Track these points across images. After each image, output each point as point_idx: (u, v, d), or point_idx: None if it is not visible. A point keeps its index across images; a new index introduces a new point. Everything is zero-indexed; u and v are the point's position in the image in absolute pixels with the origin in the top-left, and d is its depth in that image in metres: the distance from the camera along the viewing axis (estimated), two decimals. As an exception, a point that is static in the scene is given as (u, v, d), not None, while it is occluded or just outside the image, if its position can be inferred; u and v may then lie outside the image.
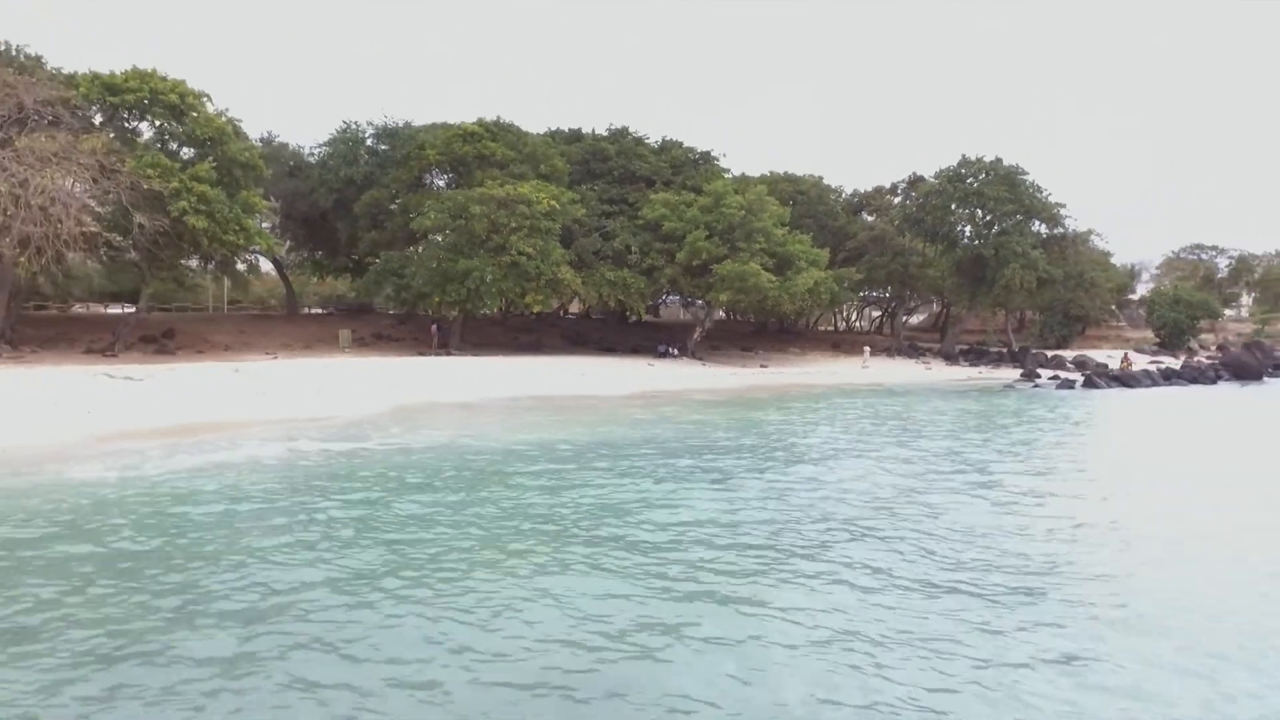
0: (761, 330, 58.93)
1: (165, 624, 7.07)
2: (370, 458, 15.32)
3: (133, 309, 43.56)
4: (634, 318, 52.27)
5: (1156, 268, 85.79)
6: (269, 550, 9.23)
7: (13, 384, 21.35)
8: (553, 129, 49.30)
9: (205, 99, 32.63)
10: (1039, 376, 41.14)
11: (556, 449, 16.86)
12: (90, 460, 14.14)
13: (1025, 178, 49.04)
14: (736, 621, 7.39)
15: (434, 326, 39.83)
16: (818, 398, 30.48)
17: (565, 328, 51.47)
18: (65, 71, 31.76)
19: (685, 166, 47.35)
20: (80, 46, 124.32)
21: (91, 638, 6.75)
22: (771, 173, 55.86)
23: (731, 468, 15.26)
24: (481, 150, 40.12)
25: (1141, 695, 6.06)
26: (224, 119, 32.59)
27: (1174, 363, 47.56)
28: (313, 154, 45.58)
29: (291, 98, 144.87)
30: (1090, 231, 58.26)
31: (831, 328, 71.72)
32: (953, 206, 49.91)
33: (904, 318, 63.80)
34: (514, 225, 35.59)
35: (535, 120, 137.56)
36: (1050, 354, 50.51)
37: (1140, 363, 47.88)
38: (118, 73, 31.17)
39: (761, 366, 43.06)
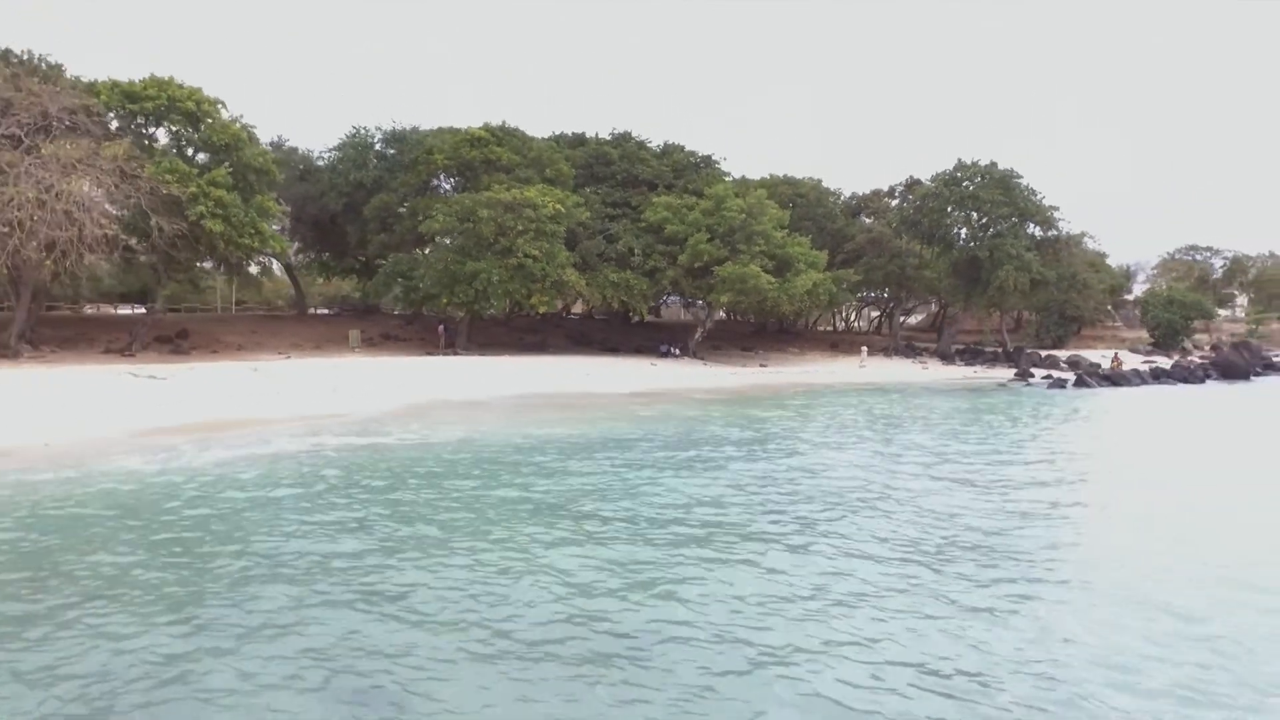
0: (761, 330, 59.92)
1: (232, 581, 8.14)
2: (393, 451, 16.31)
3: (142, 309, 44.64)
4: (636, 318, 53.28)
5: (1153, 268, 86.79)
6: (312, 526, 10.28)
7: (45, 383, 22.35)
8: (556, 133, 50.27)
9: (220, 105, 33.66)
10: (1032, 376, 42.00)
11: (566, 442, 17.86)
12: (132, 454, 15.11)
13: (1019, 181, 49.98)
14: (729, 577, 8.64)
15: (441, 327, 40.82)
16: (815, 396, 31.47)
17: (569, 328, 52.44)
18: (84, 79, 32.73)
19: (687, 170, 48.33)
20: (80, 47, 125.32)
21: (173, 590, 7.83)
22: (771, 176, 56.77)
23: (729, 457, 16.28)
24: (488, 155, 41.11)
25: (1057, 636, 7.18)
26: (238, 125, 33.61)
27: (1166, 362, 48.48)
28: (322, 158, 46.69)
29: (291, 97, 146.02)
30: (1083, 234, 59.25)
31: (830, 328, 72.72)
32: (949, 209, 50.85)
33: (901, 318, 64.78)
34: (520, 228, 36.56)
35: (536, 120, 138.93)
36: (1045, 354, 51.39)
37: (1133, 362, 48.79)
38: (136, 81, 32.25)
39: (761, 366, 44.03)
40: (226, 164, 32.16)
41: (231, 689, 5.93)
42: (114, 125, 32.35)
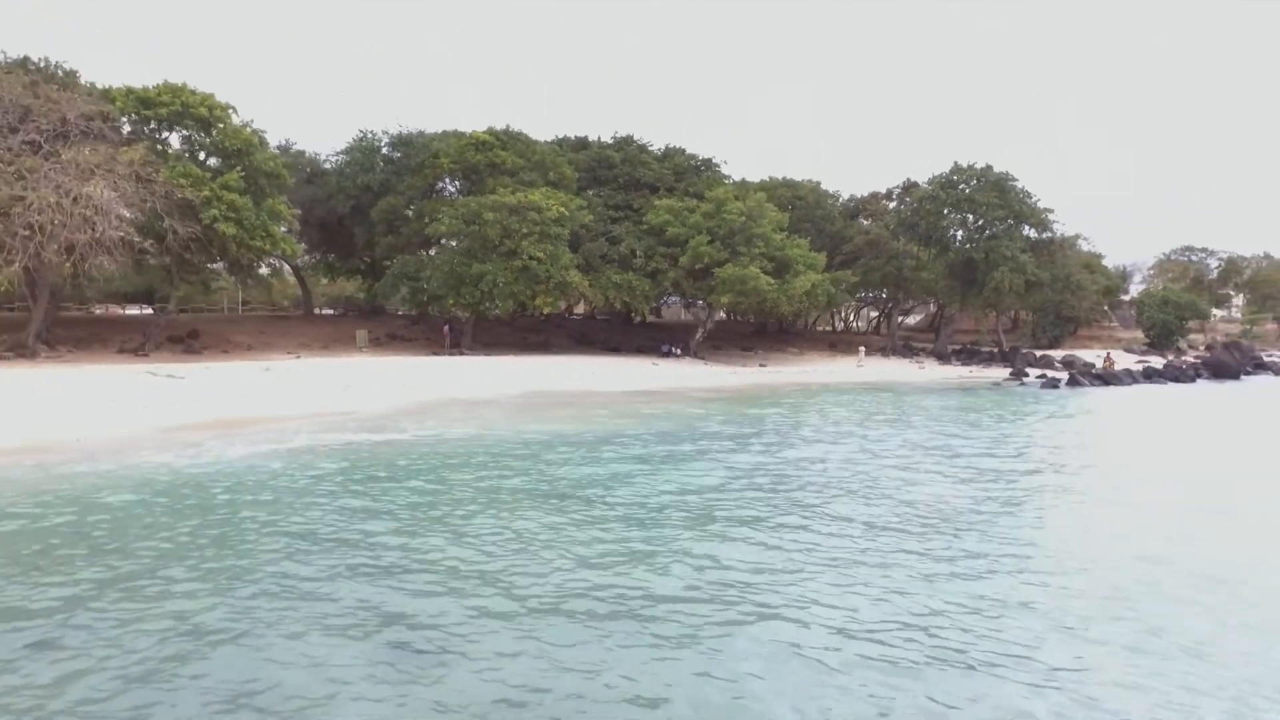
0: (761, 331, 60.75)
1: (277, 555, 9.01)
2: (409, 446, 17.14)
3: (149, 309, 45.43)
4: (638, 319, 54.12)
5: (1149, 269, 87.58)
6: (343, 509, 11.14)
7: (67, 382, 23.17)
8: (559, 137, 51.06)
9: (231, 111, 34.49)
10: (1027, 375, 42.75)
11: (572, 437, 18.71)
12: (161, 449, 15.92)
13: (1014, 184, 50.77)
14: (723, 550, 9.63)
15: (446, 327, 41.64)
16: (813, 394, 32.29)
17: (572, 328, 53.26)
18: (98, 86, 33.55)
19: (688, 173, 49.15)
20: (80, 47, 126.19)
21: (227, 563, 8.70)
22: (771, 178, 57.52)
23: (727, 450, 17.13)
24: (493, 158, 41.94)
25: (1014, 600, 8.04)
26: (249, 130, 34.45)
27: (1160, 362, 49.26)
28: (329, 161, 47.50)
29: (291, 97, 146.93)
30: (1078, 235, 60.07)
31: (829, 328, 73.54)
32: (945, 211, 51.62)
33: (899, 318, 65.62)
34: (525, 231, 37.39)
35: (536, 120, 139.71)
36: (1040, 354, 52.16)
37: (1127, 362, 49.58)
38: (150, 87, 33.10)
39: (761, 365, 44.85)
40: (238, 168, 32.99)
41: (284, 644, 6.77)
42: (126, 130, 33.19)
